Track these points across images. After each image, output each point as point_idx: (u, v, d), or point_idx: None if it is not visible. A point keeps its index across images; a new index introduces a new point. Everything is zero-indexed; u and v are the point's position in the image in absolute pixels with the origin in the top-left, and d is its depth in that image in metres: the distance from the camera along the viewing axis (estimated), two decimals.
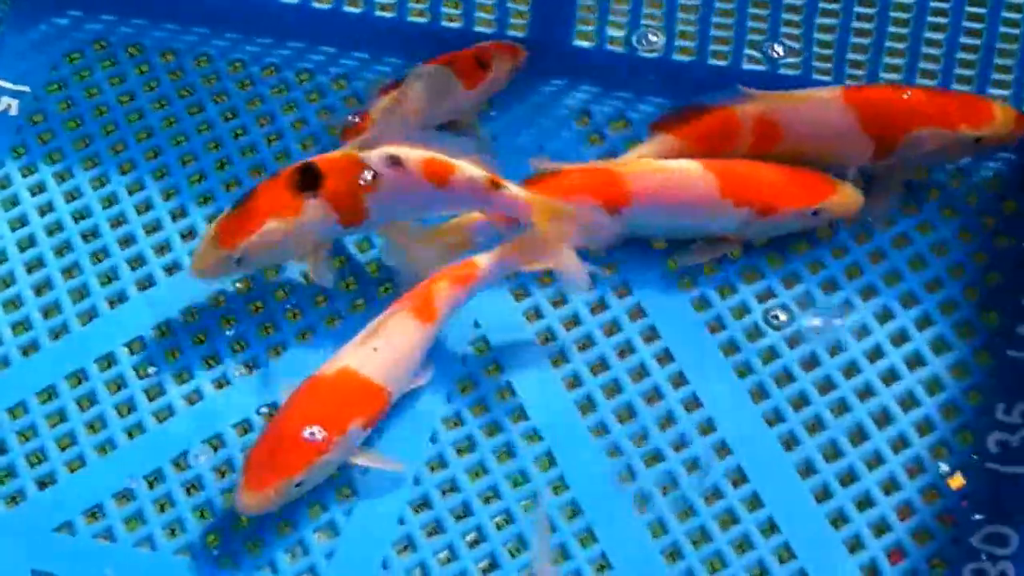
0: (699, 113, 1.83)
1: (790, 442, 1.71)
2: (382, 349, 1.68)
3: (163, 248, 1.85)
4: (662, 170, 1.79)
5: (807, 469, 1.69)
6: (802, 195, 1.80)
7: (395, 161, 1.69)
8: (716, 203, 1.78)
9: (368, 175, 1.70)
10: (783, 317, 1.77)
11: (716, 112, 1.83)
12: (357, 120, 1.85)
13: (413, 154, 1.71)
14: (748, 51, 1.92)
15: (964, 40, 1.86)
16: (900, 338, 1.77)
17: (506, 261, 1.72)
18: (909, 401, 1.73)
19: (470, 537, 1.67)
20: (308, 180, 1.72)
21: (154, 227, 1.87)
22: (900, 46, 1.88)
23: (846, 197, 1.80)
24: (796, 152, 1.82)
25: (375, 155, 1.71)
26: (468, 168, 1.71)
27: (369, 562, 1.65)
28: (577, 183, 1.78)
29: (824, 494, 1.68)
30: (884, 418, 1.72)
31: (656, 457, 1.70)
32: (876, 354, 1.76)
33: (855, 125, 1.81)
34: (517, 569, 1.65)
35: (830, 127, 1.81)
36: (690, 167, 1.79)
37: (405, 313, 1.70)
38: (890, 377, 1.74)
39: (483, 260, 1.72)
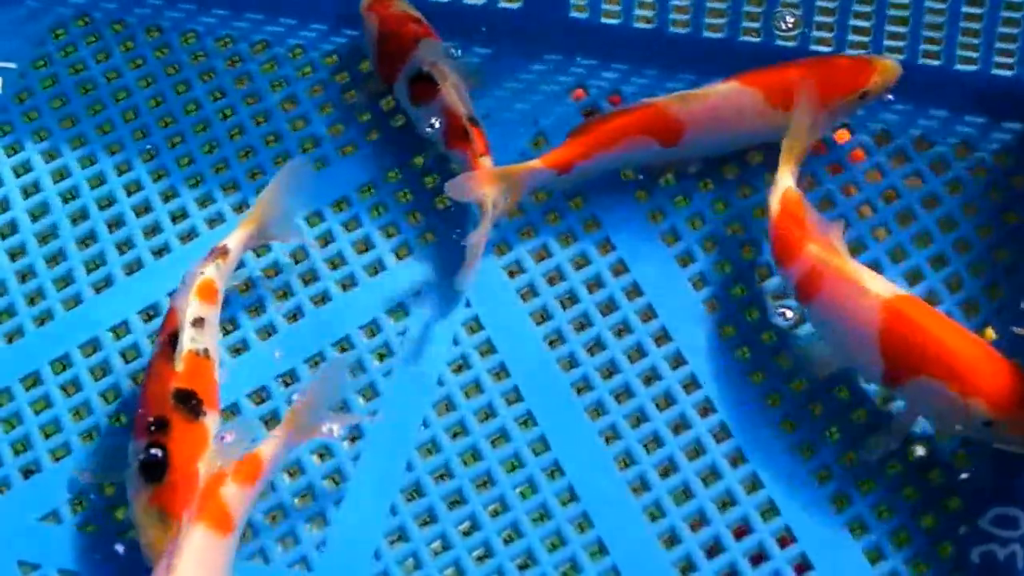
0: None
1: (790, 424, 1.67)
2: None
3: (153, 230, 1.82)
4: (707, 96, 1.79)
5: (807, 448, 1.66)
6: (846, 82, 1.80)
7: None
8: (767, 115, 1.79)
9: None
10: (789, 314, 1.73)
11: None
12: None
13: None
14: (746, 23, 1.89)
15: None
16: None
17: (289, 443, 1.60)
18: None
19: (463, 526, 1.64)
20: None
21: (144, 209, 1.84)
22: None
23: (887, 70, 1.81)
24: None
25: None
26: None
27: (360, 552, 1.62)
28: (630, 123, 1.77)
29: (826, 475, 1.64)
30: (887, 397, 1.67)
31: (656, 441, 1.67)
32: None
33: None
34: (511, 557, 1.62)
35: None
36: (731, 88, 1.79)
37: (203, 530, 1.52)
38: None
39: (266, 450, 1.58)
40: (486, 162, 1.75)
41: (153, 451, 1.56)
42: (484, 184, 1.73)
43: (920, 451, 1.65)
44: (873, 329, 1.60)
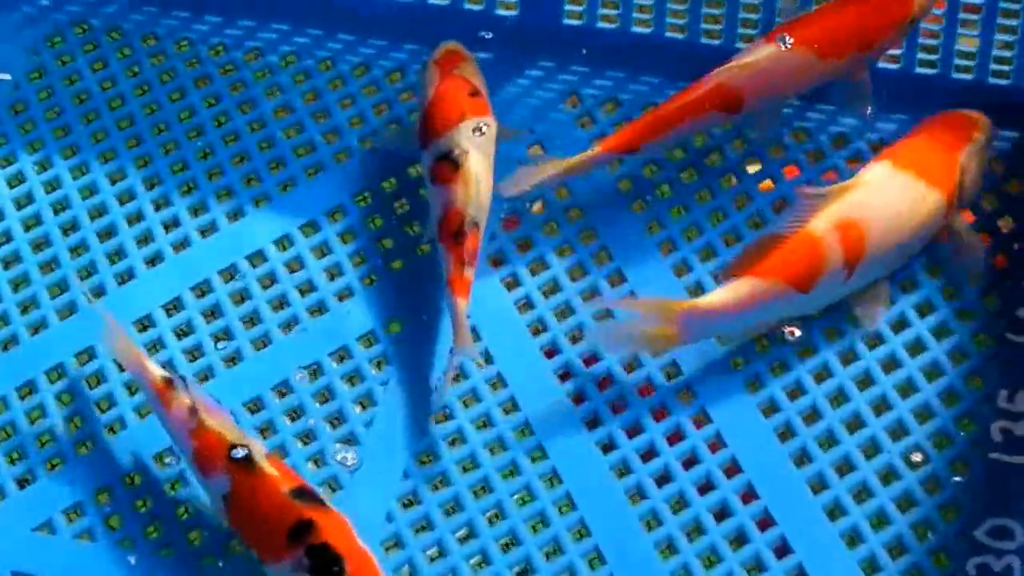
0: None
1: (786, 433, 1.67)
2: None
3: (145, 239, 1.82)
4: (760, 63, 1.80)
5: (803, 458, 1.65)
6: (892, 13, 1.82)
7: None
8: (818, 68, 1.81)
9: None
10: (797, 333, 1.72)
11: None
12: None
13: None
14: (741, 30, 1.89)
15: None
16: (900, 324, 1.73)
17: None
18: (907, 388, 1.69)
19: (461, 533, 1.64)
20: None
21: (136, 218, 1.84)
22: None
23: None
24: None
25: None
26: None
27: None
28: (695, 103, 1.79)
29: (820, 485, 1.64)
30: (883, 406, 1.67)
31: (651, 452, 1.67)
32: (876, 340, 1.71)
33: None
34: (508, 566, 1.61)
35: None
36: (779, 50, 1.80)
37: None
38: (891, 364, 1.70)
39: None
40: (468, 272, 1.69)
41: None
42: (542, 177, 1.74)
43: (915, 460, 1.64)
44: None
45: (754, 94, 1.81)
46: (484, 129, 1.75)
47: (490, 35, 1.93)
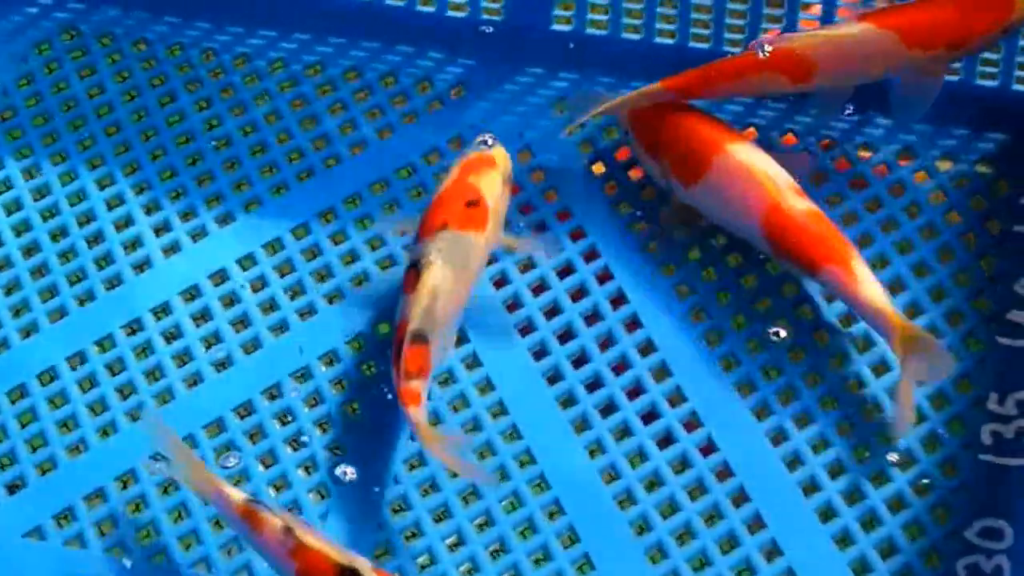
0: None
1: (778, 437, 1.67)
2: None
3: (133, 245, 1.82)
4: (842, 38, 1.78)
5: (794, 461, 1.66)
6: (987, 18, 1.78)
7: None
8: (902, 55, 1.78)
9: None
10: (783, 334, 1.73)
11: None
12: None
13: None
14: (728, 35, 1.89)
15: None
16: None
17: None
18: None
19: (450, 540, 1.64)
20: None
21: (125, 223, 1.84)
22: None
23: None
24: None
25: None
26: None
27: None
28: (764, 61, 1.78)
29: (812, 487, 1.64)
30: (874, 409, 1.68)
31: (641, 455, 1.67)
32: (866, 343, 1.72)
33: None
34: (498, 573, 1.61)
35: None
36: (865, 30, 1.77)
37: None
38: (881, 367, 1.70)
39: None
40: (412, 384, 1.61)
41: None
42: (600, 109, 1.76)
43: (905, 462, 1.65)
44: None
45: (828, 68, 1.78)
46: (461, 242, 1.68)
47: (491, 30, 1.94)
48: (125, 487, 1.66)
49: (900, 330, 1.63)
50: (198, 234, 1.82)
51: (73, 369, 1.74)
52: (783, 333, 1.72)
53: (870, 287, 1.66)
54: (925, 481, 1.64)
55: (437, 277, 1.65)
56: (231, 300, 1.77)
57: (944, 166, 1.83)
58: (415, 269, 1.66)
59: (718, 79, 1.78)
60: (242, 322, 1.76)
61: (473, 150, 1.76)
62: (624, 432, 1.68)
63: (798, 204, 1.70)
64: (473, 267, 1.69)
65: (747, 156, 1.73)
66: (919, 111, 1.81)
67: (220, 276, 1.79)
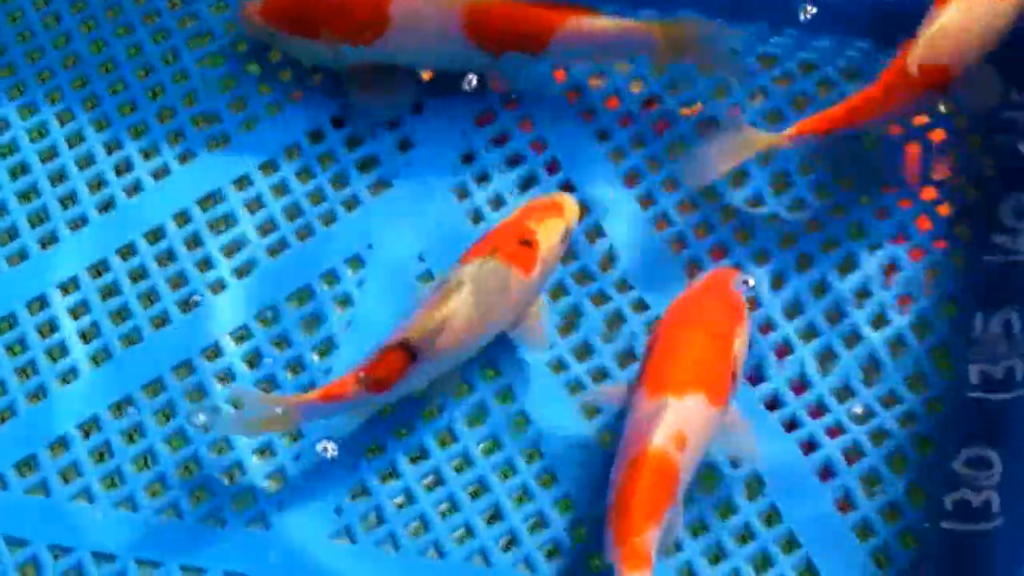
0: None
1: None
2: None
3: (98, 184, 1.77)
4: (955, 27, 1.66)
5: (773, 402, 1.63)
6: None
7: None
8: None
9: None
10: (752, 282, 1.68)
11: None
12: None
13: None
14: None
15: None
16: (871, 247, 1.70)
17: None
18: (879, 319, 1.66)
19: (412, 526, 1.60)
20: None
21: (87, 162, 1.79)
22: None
23: None
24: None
25: None
26: None
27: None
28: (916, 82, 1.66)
29: (792, 424, 1.61)
30: (853, 339, 1.65)
31: None
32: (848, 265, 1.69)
33: None
34: (464, 556, 1.58)
35: None
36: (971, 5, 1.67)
37: None
38: (863, 293, 1.68)
39: None
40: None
41: None
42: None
43: (888, 400, 1.62)
44: None
45: (959, 63, 1.66)
46: (500, 274, 1.59)
47: None
48: (87, 435, 1.63)
49: (660, 29, 1.69)
50: (159, 172, 1.78)
51: (32, 315, 1.70)
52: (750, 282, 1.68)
53: (606, 20, 1.70)
54: (909, 414, 1.61)
55: (458, 300, 1.57)
56: (194, 244, 1.73)
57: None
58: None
59: (849, 119, 1.67)
60: (205, 264, 1.72)
61: (545, 195, 1.70)
62: None
63: None
64: (505, 304, 1.60)
65: None
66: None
67: (183, 218, 1.75)
